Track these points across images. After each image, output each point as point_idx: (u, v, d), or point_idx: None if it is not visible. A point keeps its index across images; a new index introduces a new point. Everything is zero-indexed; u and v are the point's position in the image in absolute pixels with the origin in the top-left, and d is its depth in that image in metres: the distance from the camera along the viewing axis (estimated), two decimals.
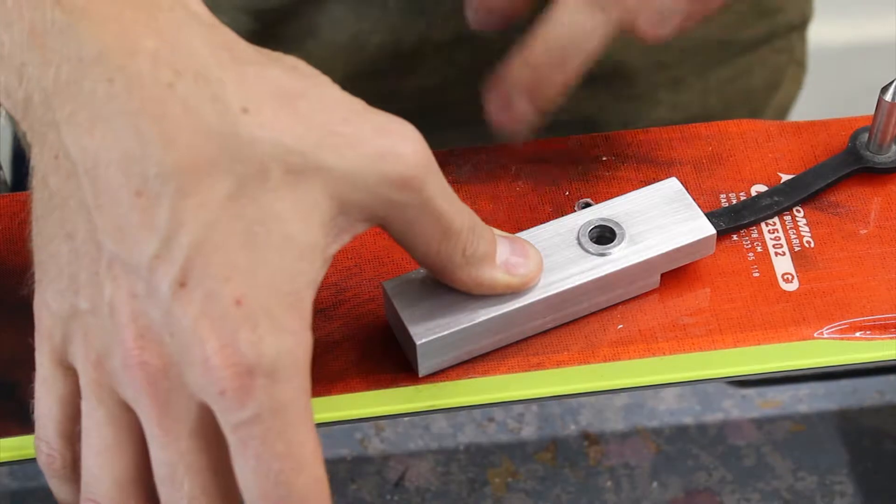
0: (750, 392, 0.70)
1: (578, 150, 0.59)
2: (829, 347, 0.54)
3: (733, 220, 0.56)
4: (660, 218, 0.54)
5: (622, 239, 0.54)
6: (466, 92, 0.73)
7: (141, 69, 0.43)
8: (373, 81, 0.73)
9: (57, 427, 0.47)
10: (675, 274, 0.55)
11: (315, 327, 0.54)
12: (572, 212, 0.56)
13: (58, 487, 0.48)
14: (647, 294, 0.55)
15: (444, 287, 0.52)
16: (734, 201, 0.58)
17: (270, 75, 0.44)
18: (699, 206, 0.55)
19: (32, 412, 0.47)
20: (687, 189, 0.55)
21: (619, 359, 0.53)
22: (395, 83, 0.74)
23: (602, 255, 0.53)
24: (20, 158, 0.80)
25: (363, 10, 0.70)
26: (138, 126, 0.43)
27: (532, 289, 0.52)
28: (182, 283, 0.42)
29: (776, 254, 0.56)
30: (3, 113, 0.75)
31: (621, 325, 0.54)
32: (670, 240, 0.54)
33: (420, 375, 0.53)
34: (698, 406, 0.68)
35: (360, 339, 0.54)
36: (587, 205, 0.57)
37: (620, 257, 0.53)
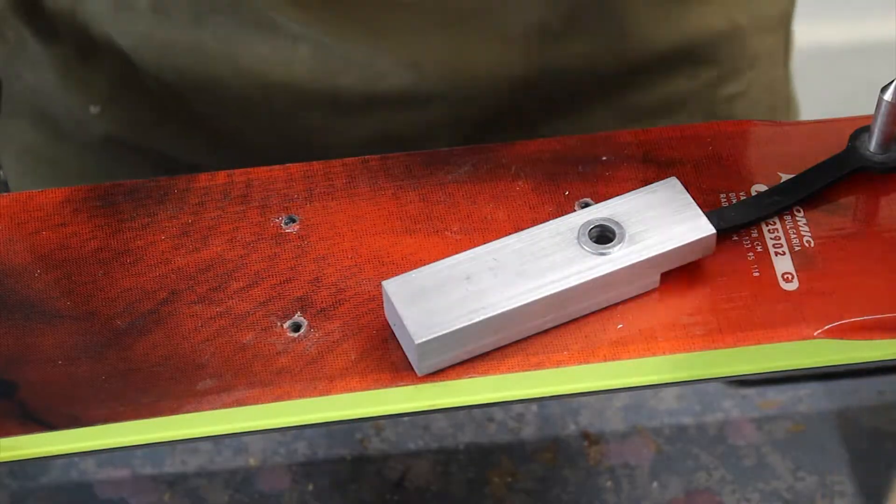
0: (750, 392, 0.70)
1: (578, 149, 0.59)
2: (829, 347, 0.54)
3: (733, 220, 0.56)
4: (660, 218, 0.54)
5: (622, 239, 0.54)
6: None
7: None
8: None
9: None
10: (675, 274, 0.55)
11: (315, 327, 0.54)
12: (572, 212, 0.56)
13: None
14: (647, 294, 0.55)
15: (444, 287, 0.52)
16: (734, 201, 0.58)
17: None
18: (699, 206, 0.55)
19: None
20: (687, 189, 0.55)
21: (619, 358, 0.53)
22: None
23: (602, 254, 0.53)
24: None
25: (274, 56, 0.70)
26: None
27: (532, 288, 0.52)
28: None
29: (776, 253, 0.56)
30: (3, 112, 0.75)
31: (621, 325, 0.54)
32: (670, 239, 0.54)
33: (420, 375, 0.53)
34: (698, 406, 0.68)
35: (360, 339, 0.54)
36: (587, 205, 0.57)
37: (620, 257, 0.53)
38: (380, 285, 0.53)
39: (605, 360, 0.53)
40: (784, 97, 0.82)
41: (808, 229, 0.57)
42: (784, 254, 0.56)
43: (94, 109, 0.76)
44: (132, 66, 0.73)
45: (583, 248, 0.53)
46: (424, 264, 0.53)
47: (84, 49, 0.74)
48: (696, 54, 0.73)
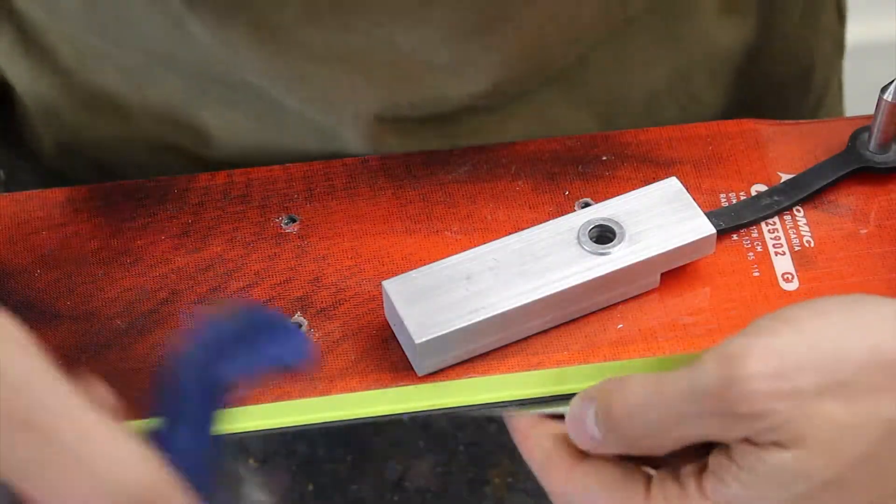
0: None
1: (578, 150, 0.59)
2: None
3: (733, 220, 0.56)
4: (660, 217, 0.54)
5: (622, 238, 0.54)
6: None
7: None
8: None
9: None
10: (675, 273, 0.55)
11: (315, 327, 0.54)
12: (572, 212, 0.56)
13: None
14: (647, 293, 0.55)
15: (444, 287, 0.52)
16: (734, 201, 0.58)
17: None
18: (699, 206, 0.55)
19: None
20: (687, 189, 0.55)
21: (619, 358, 0.53)
22: None
23: (602, 254, 0.53)
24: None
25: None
26: None
27: (532, 288, 0.52)
28: None
29: (776, 253, 0.56)
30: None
31: (621, 325, 0.54)
32: (670, 239, 0.54)
33: (420, 375, 0.53)
34: None
35: (360, 339, 0.54)
36: (587, 205, 0.57)
37: (620, 257, 0.53)
38: (380, 285, 0.53)
39: (605, 360, 0.53)
40: None
41: (808, 229, 0.57)
42: (784, 254, 0.56)
43: None
44: None
45: (583, 248, 0.53)
46: (424, 264, 0.53)
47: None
48: (766, 101, 0.73)
